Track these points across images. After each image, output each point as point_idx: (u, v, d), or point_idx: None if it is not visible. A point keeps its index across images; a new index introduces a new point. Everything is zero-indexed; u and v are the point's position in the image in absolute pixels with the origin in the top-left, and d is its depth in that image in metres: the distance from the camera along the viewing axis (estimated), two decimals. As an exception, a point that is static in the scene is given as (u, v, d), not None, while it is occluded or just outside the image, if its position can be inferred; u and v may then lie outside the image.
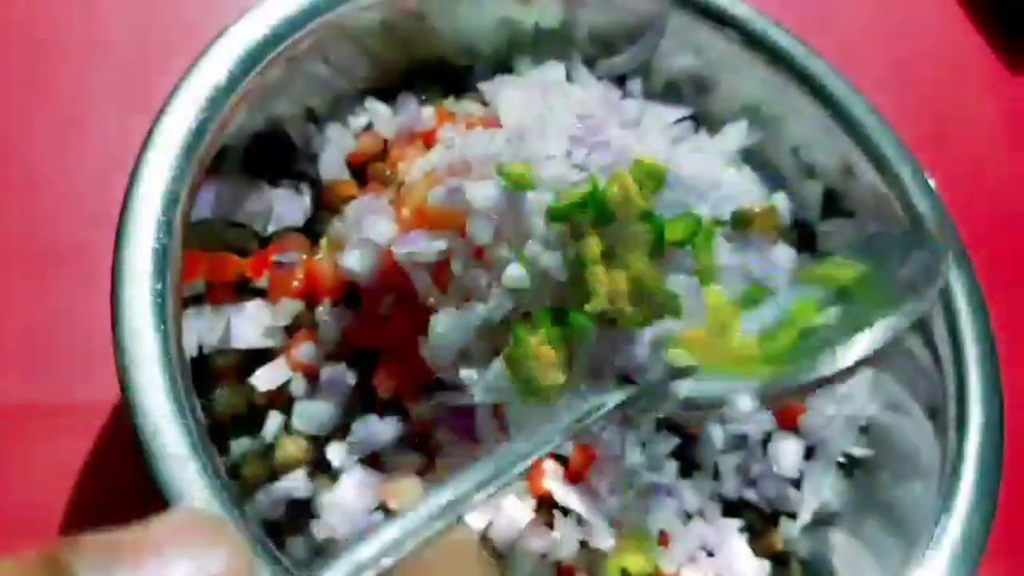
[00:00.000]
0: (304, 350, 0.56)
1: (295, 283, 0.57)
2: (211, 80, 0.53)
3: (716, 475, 0.61)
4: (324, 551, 0.53)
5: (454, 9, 0.65)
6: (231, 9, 0.56)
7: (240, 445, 0.55)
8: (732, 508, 0.61)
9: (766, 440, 0.63)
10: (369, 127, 0.65)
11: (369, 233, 0.55)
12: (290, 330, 0.57)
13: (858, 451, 0.64)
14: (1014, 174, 0.92)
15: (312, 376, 0.56)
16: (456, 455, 0.54)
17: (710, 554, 0.59)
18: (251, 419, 0.56)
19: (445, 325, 0.51)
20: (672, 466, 0.58)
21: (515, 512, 0.52)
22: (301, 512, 0.54)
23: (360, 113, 0.65)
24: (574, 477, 0.55)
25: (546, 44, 0.68)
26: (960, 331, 0.60)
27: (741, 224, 0.61)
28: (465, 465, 0.41)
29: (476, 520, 0.52)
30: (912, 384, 0.63)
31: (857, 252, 0.60)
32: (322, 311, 0.56)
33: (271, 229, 0.61)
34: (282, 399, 0.56)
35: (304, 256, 0.59)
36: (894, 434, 0.64)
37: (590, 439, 0.54)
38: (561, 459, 0.55)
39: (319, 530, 0.52)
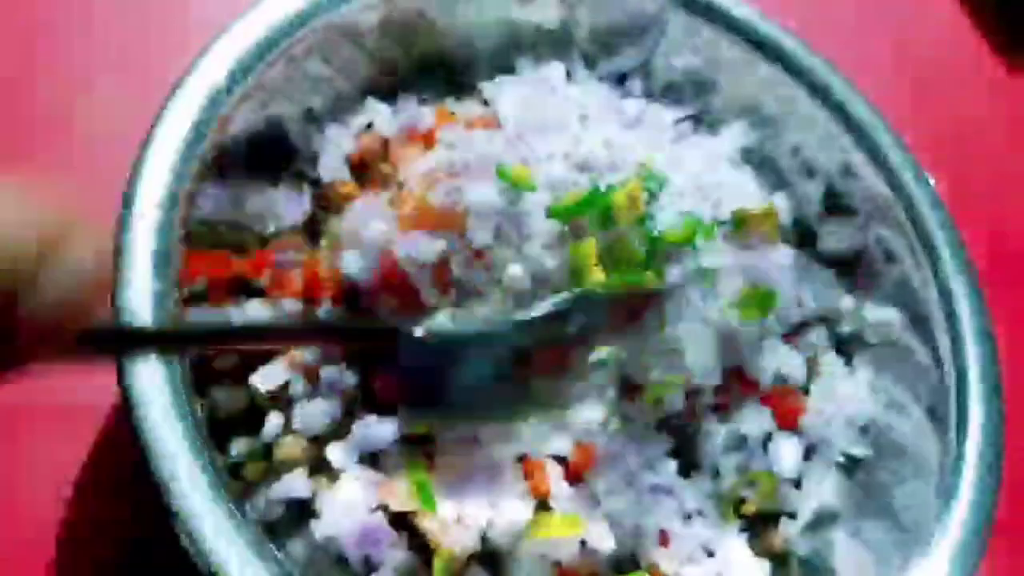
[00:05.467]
0: (304, 350, 0.56)
1: (295, 283, 0.57)
2: (211, 80, 0.53)
3: (716, 475, 0.61)
4: (325, 551, 0.53)
5: (454, 9, 0.65)
6: (231, 9, 0.56)
7: (240, 445, 0.55)
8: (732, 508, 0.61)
9: (766, 440, 0.63)
10: (369, 127, 0.65)
11: (369, 233, 0.55)
12: (290, 330, 0.57)
13: (858, 451, 0.64)
14: (1014, 174, 0.92)
15: (312, 376, 0.56)
16: (456, 455, 0.54)
17: (710, 554, 0.59)
18: (251, 419, 0.56)
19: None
20: (671, 466, 0.58)
21: (515, 512, 0.52)
22: (301, 512, 0.54)
23: (360, 113, 0.65)
24: (573, 477, 0.55)
25: (546, 44, 0.68)
26: (960, 331, 0.60)
27: (741, 224, 0.61)
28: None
29: (476, 520, 0.52)
30: (912, 384, 0.63)
31: None
32: (322, 311, 0.56)
33: (271, 229, 0.61)
34: (282, 399, 0.56)
35: (304, 256, 0.59)
36: (894, 434, 0.64)
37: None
38: (561, 459, 0.55)
39: (319, 530, 0.52)
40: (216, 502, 0.44)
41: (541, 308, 0.50)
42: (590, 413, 0.52)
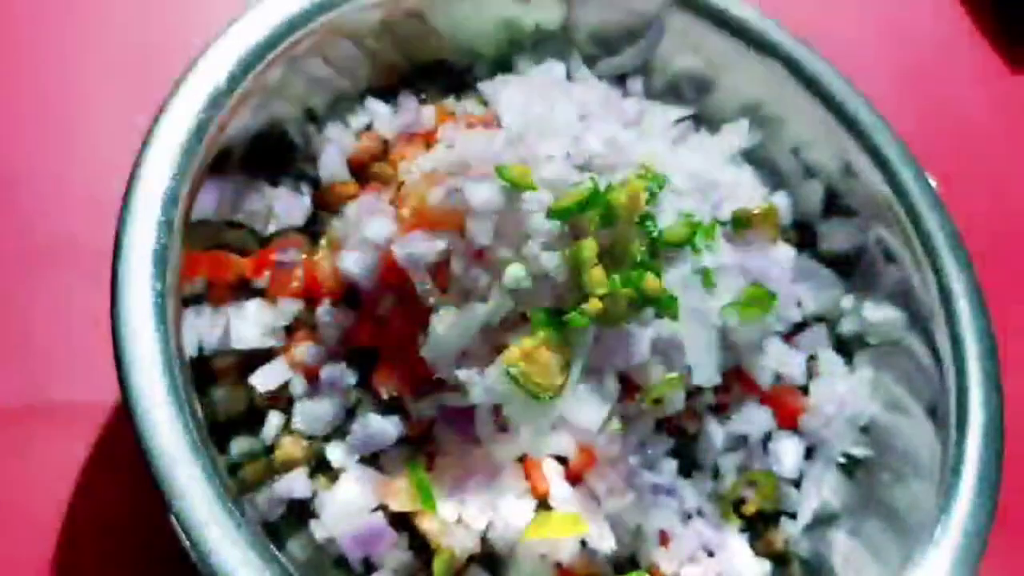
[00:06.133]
0: (304, 350, 0.56)
1: (295, 283, 0.57)
2: (211, 80, 0.53)
3: (716, 475, 0.61)
4: (325, 551, 0.53)
5: (454, 9, 0.65)
6: (231, 9, 0.56)
7: (240, 445, 0.55)
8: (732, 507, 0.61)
9: (766, 440, 0.63)
10: (369, 127, 0.65)
11: (369, 233, 0.55)
12: (290, 330, 0.57)
13: (858, 451, 0.64)
14: (1014, 174, 0.92)
15: (312, 376, 0.56)
16: (456, 455, 0.54)
17: (710, 554, 0.59)
18: (251, 419, 0.56)
19: (445, 325, 0.51)
20: (672, 466, 0.58)
21: (515, 512, 0.52)
22: (301, 512, 0.54)
23: (360, 113, 0.65)
24: (573, 477, 0.55)
25: (546, 44, 0.68)
26: (960, 331, 0.60)
27: (741, 224, 0.61)
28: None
29: (476, 520, 0.52)
30: (912, 384, 0.63)
31: None
32: (322, 311, 0.56)
33: (271, 229, 0.61)
34: (282, 399, 0.56)
35: (304, 256, 0.59)
36: (894, 434, 0.64)
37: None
38: (561, 459, 0.55)
39: (319, 530, 0.52)
40: (216, 502, 0.44)
41: None
42: (590, 413, 0.52)
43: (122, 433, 0.45)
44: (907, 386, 0.63)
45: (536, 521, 0.52)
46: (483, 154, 0.54)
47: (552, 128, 0.55)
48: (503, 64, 0.68)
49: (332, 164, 0.62)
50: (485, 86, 0.64)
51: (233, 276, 0.58)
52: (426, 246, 0.52)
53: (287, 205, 0.61)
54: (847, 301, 0.68)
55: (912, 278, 0.64)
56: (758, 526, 0.62)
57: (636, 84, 0.69)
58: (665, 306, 0.51)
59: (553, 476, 0.54)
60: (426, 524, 0.52)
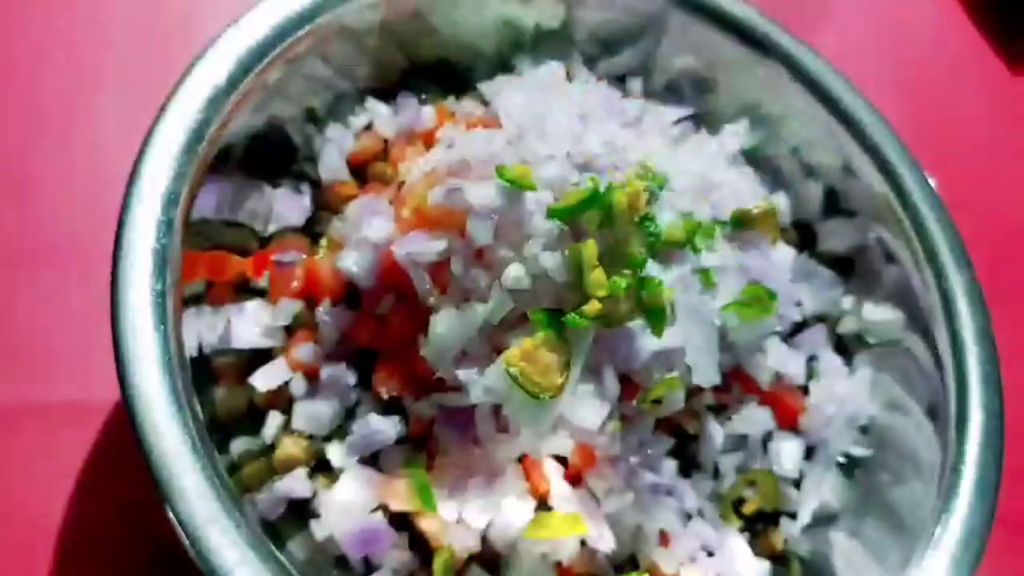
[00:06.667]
0: (304, 350, 0.56)
1: (295, 283, 0.57)
2: (211, 80, 0.53)
3: (716, 475, 0.61)
4: (325, 551, 0.53)
5: (454, 9, 0.65)
6: (231, 9, 0.56)
7: (240, 445, 0.55)
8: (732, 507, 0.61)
9: (766, 440, 0.63)
10: (369, 127, 0.65)
11: (369, 233, 0.55)
12: (290, 330, 0.57)
13: (858, 451, 0.64)
14: (1014, 174, 0.92)
15: (312, 376, 0.56)
16: (456, 455, 0.54)
17: (710, 554, 0.59)
18: (251, 419, 0.56)
19: (445, 325, 0.51)
20: (671, 466, 0.58)
21: (515, 512, 0.52)
22: (301, 512, 0.54)
23: (360, 113, 0.65)
24: (573, 477, 0.55)
25: (546, 44, 0.68)
26: (960, 331, 0.60)
27: (741, 224, 0.61)
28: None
29: (476, 520, 0.52)
30: (912, 384, 0.63)
31: None
32: (322, 311, 0.56)
33: (271, 229, 0.61)
34: (282, 399, 0.56)
35: (304, 256, 0.59)
36: (894, 434, 0.64)
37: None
38: (561, 459, 0.55)
39: (319, 530, 0.52)
40: (216, 502, 0.44)
41: None
42: (590, 413, 0.52)
43: (122, 433, 0.45)
44: (907, 386, 0.63)
45: (536, 521, 0.52)
46: (483, 154, 0.54)
47: (552, 128, 0.55)
48: (503, 64, 0.68)
49: (332, 164, 0.62)
50: (485, 86, 0.64)
51: (233, 276, 0.58)
52: (426, 246, 0.52)
53: (287, 205, 0.61)
54: (847, 301, 0.68)
55: (912, 278, 0.64)
56: (758, 526, 0.62)
57: (636, 84, 0.69)
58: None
59: (553, 476, 0.54)
60: (426, 524, 0.52)
